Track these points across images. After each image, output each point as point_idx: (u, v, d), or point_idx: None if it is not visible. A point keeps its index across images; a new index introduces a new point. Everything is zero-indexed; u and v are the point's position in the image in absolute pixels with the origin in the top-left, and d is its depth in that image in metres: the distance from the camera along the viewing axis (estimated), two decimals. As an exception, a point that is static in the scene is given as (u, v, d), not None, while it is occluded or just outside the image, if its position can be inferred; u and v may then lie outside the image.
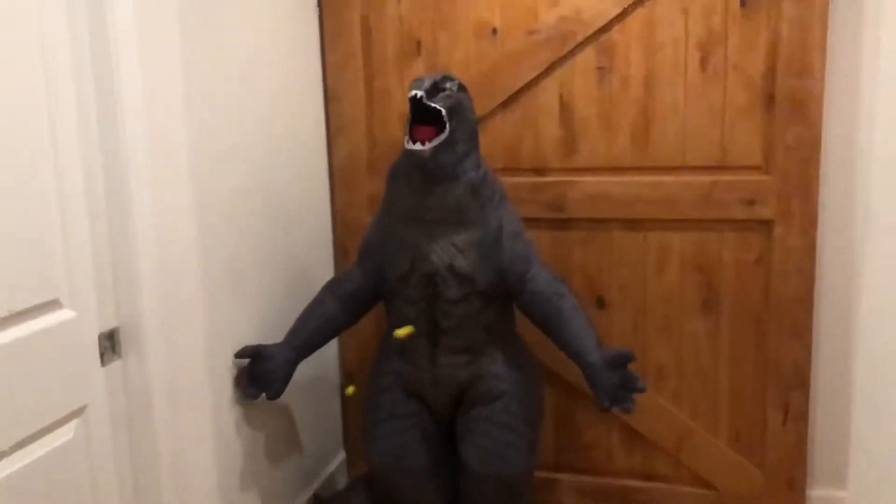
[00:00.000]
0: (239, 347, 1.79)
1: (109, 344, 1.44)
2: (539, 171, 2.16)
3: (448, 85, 1.68)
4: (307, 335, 1.85)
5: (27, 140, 1.23)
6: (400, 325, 1.79)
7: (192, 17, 1.60)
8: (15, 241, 1.21)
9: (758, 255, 2.05)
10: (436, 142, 1.62)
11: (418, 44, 2.18)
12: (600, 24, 2.04)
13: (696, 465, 2.17)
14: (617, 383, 1.63)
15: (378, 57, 2.22)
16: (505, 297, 1.80)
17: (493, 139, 2.14)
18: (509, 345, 1.87)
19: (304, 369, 1.86)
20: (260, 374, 1.78)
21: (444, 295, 1.74)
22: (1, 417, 1.19)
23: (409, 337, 1.76)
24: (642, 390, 1.63)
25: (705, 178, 2.04)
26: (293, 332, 1.85)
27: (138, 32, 1.40)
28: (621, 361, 1.62)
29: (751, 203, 2.01)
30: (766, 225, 2.02)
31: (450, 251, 1.72)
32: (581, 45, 2.06)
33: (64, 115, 1.31)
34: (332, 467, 2.36)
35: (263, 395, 1.79)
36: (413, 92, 1.59)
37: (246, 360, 1.80)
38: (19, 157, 1.22)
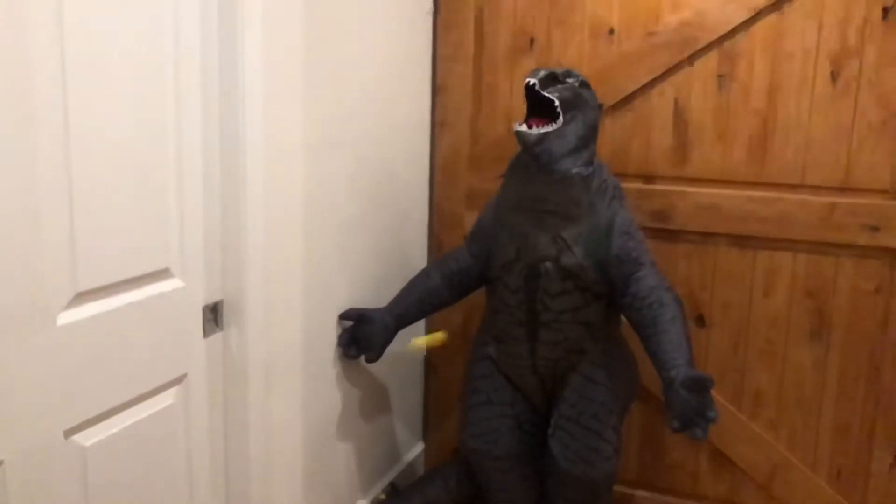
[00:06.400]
0: (335, 331, 1.84)
1: (212, 316, 1.49)
2: (646, 179, 2.09)
3: (570, 80, 1.65)
4: (408, 305, 1.90)
5: (153, 121, 1.28)
6: (500, 312, 1.79)
7: (315, 7, 1.62)
8: (136, 211, 1.26)
9: (877, 285, 1.92)
10: (545, 129, 1.59)
11: (531, 40, 2.15)
12: (725, 30, 1.95)
13: (789, 499, 2.06)
14: (693, 407, 1.53)
15: (489, 51, 2.20)
16: (610, 296, 1.76)
17: (601, 141, 2.07)
18: (611, 347, 1.83)
19: (391, 359, 1.88)
20: (360, 337, 1.84)
21: (545, 287, 1.72)
22: (110, 378, 1.24)
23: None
24: (713, 419, 1.51)
25: (825, 199, 1.93)
26: (396, 301, 1.90)
27: (263, 20, 1.43)
28: (699, 385, 1.51)
29: (875, 229, 1.89)
30: (891, 254, 1.89)
31: (557, 244, 1.70)
32: (702, 51, 1.98)
33: (187, 99, 1.35)
34: (409, 457, 2.36)
35: (363, 356, 1.86)
36: (527, 80, 1.58)
37: (348, 322, 1.87)
38: (146, 136, 1.26)
